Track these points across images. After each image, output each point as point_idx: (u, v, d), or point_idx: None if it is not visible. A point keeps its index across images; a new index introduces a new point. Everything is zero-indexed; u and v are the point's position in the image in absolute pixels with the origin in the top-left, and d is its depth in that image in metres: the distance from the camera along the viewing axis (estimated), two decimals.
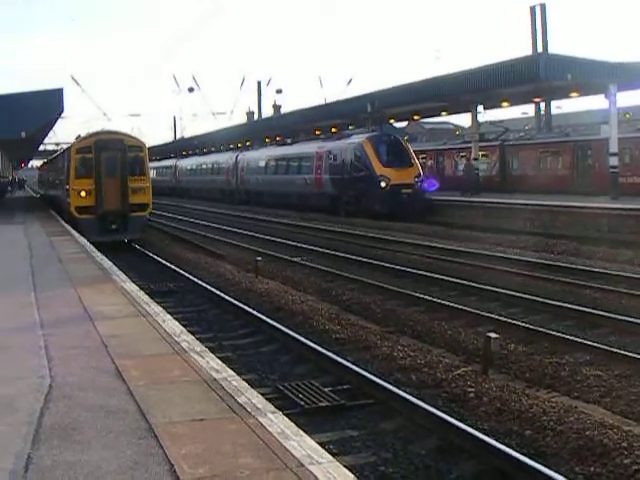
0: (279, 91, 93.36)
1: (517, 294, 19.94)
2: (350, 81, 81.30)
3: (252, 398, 8.02)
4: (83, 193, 34.03)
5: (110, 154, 34.21)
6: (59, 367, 9.54)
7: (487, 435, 10.14)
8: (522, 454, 9.40)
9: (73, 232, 30.09)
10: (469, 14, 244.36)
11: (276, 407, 8.03)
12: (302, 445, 6.64)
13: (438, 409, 11.15)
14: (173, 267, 26.50)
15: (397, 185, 45.76)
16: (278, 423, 7.22)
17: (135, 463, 6.36)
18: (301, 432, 7.04)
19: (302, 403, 11.77)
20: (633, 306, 18.48)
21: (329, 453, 6.78)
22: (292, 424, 7.26)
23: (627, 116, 67.61)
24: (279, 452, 6.46)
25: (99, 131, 37.60)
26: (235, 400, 7.92)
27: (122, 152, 34.46)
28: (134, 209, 34.42)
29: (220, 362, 9.72)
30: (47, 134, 60.52)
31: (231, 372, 9.20)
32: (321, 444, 7.55)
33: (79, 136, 40.74)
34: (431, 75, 48.81)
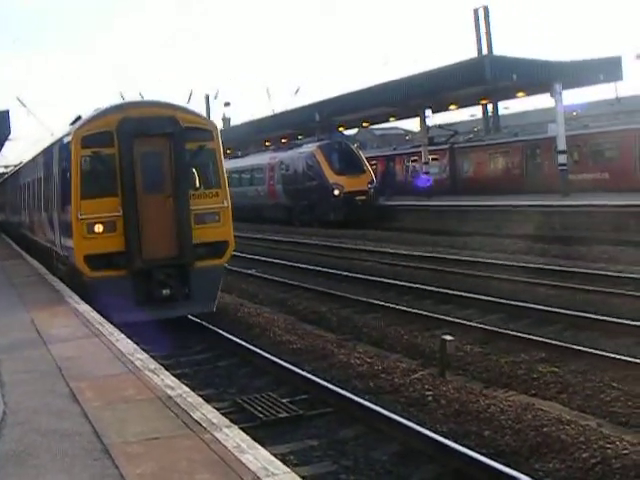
0: (227, 104, 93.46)
1: (471, 295, 20.04)
2: (297, 91, 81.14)
3: (207, 413, 7.97)
4: (99, 227, 17.93)
5: (151, 147, 18.42)
6: (13, 393, 9.42)
7: (446, 437, 10.18)
8: (481, 454, 9.45)
9: (26, 256, 29.02)
10: (416, 19, 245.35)
11: (234, 421, 8.02)
12: (257, 458, 6.61)
13: (397, 414, 11.19)
14: None
15: (350, 192, 45.83)
16: (233, 437, 7.18)
17: None
18: (256, 445, 7.01)
19: (261, 415, 11.74)
20: (587, 301, 18.65)
21: (289, 464, 6.81)
22: (247, 437, 7.22)
23: (574, 114, 68.22)
24: (235, 466, 6.43)
25: (126, 102, 20.92)
26: (190, 416, 7.87)
27: (175, 141, 18.33)
28: (202, 254, 18.59)
29: (175, 379, 9.66)
30: None
31: (186, 389, 9.15)
32: (281, 455, 7.54)
33: (78, 117, 21.01)
34: (379, 81, 49.06)
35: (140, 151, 18.07)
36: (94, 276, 17.88)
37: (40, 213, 25.87)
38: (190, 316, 18.90)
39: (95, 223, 17.84)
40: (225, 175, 19.61)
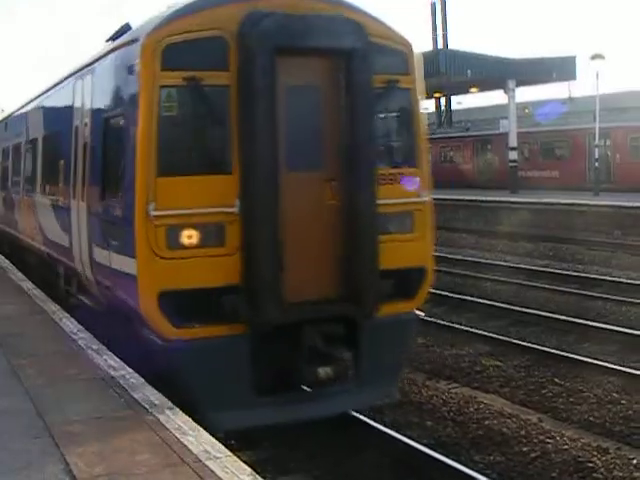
0: None
1: None
2: None
3: (150, 395, 7.92)
4: (191, 236, 8.66)
5: (308, 76, 9.24)
6: None
7: (388, 427, 10.19)
8: (422, 445, 9.48)
9: None
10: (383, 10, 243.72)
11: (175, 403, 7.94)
12: (199, 440, 6.59)
13: None
14: None
15: None
16: (175, 419, 7.15)
17: (30, 463, 6.24)
18: (198, 427, 6.98)
19: None
20: (532, 298, 18.76)
21: (231, 448, 6.76)
22: (189, 419, 7.19)
23: (526, 111, 68.65)
24: (176, 448, 6.41)
25: None
26: (132, 397, 7.83)
27: (357, 67, 9.04)
28: (387, 293, 9.35)
29: (117, 359, 9.57)
30: None
31: (129, 369, 9.05)
32: (222, 439, 7.47)
33: (126, 28, 11.11)
34: None
35: (286, 84, 8.99)
36: (179, 335, 8.74)
37: (32, 196, 16.43)
38: None
39: (183, 227, 8.74)
40: (426, 142, 10.52)
